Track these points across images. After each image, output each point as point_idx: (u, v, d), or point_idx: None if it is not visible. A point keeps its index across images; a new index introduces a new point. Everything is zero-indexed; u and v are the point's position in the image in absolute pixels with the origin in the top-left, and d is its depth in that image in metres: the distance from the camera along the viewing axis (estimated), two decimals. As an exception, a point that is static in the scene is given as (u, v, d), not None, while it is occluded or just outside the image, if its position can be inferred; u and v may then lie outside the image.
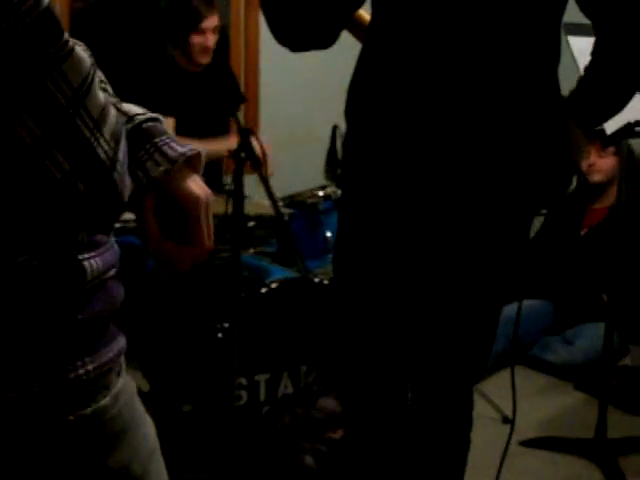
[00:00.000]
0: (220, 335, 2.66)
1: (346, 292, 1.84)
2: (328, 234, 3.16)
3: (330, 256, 3.07)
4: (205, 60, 3.60)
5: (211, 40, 3.59)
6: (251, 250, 3.07)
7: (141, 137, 0.97)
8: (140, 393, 0.93)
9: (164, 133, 0.99)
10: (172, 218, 0.99)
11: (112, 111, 0.80)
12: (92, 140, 0.76)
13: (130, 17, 4.73)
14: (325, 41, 1.74)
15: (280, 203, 3.08)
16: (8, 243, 0.76)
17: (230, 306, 2.50)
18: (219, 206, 2.57)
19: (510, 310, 2.10)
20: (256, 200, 3.15)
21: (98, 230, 0.85)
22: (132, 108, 0.99)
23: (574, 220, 4.01)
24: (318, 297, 2.72)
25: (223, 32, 3.80)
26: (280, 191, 3.24)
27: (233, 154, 2.49)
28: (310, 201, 3.22)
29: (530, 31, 1.71)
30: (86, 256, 0.82)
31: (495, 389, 3.31)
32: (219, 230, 2.70)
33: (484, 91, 1.67)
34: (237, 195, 2.52)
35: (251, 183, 2.81)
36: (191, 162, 0.99)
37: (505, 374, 3.06)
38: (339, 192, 3.03)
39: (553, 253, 4.00)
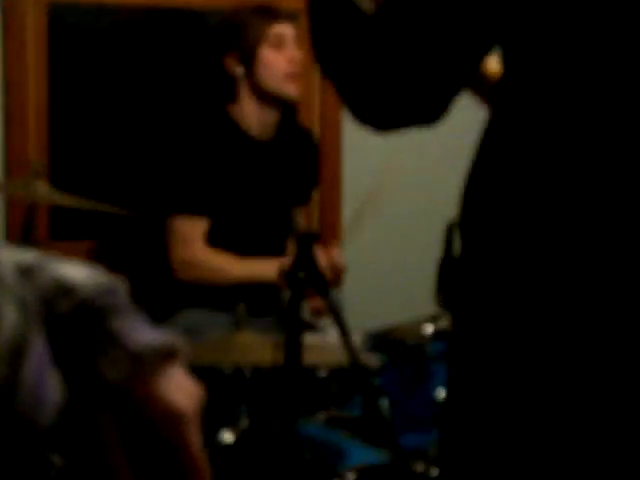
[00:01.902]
0: None
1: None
2: (441, 393, 2.84)
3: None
4: (295, 90, 3.11)
5: (297, 54, 3.11)
6: (320, 416, 2.71)
7: (87, 317, 0.91)
8: None
9: (124, 312, 0.93)
10: (148, 443, 0.93)
11: (9, 315, 0.77)
12: None
13: (164, 46, 4.30)
14: (433, 112, 1.60)
15: (366, 343, 2.83)
16: None
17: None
18: (270, 349, 2.36)
19: None
20: (330, 337, 2.83)
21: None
22: (74, 273, 0.92)
23: None
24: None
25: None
26: (367, 323, 3.02)
27: (287, 274, 2.25)
28: (412, 341, 2.86)
29: None
30: None
31: None
32: (271, 385, 2.66)
33: None
34: (292, 335, 2.23)
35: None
36: (169, 350, 0.94)
37: None
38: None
39: None
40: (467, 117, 2.13)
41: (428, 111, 1.60)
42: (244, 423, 2.60)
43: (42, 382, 0.80)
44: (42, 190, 2.80)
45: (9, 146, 3.57)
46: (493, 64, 1.76)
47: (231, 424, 2.53)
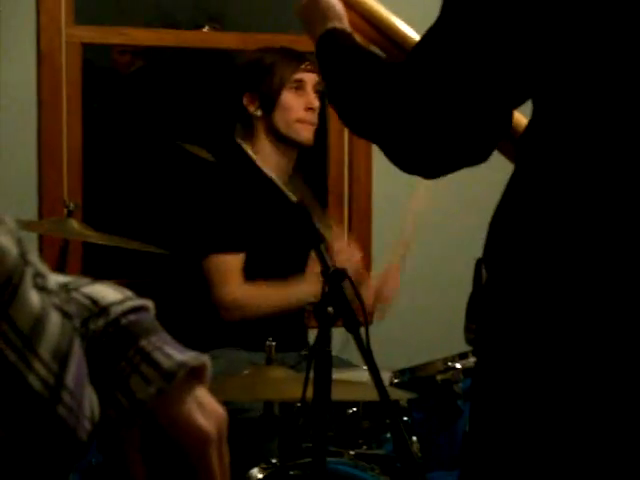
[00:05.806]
0: None
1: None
2: (470, 430, 2.68)
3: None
4: (308, 136, 3.12)
5: (315, 102, 3.10)
6: (350, 453, 2.64)
7: (121, 339, 0.93)
8: None
9: (154, 331, 0.95)
10: (167, 458, 0.95)
11: (53, 318, 0.79)
12: (20, 365, 0.75)
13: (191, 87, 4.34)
14: (479, 154, 1.61)
15: (395, 380, 2.77)
16: None
17: None
18: (299, 384, 2.24)
19: None
20: (359, 373, 2.78)
21: None
22: (105, 293, 0.95)
23: None
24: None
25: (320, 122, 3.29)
26: (397, 360, 3.02)
27: (314, 309, 2.19)
28: (442, 377, 2.80)
29: None
30: None
31: None
32: (298, 420, 2.62)
33: None
34: (321, 371, 2.16)
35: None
36: (195, 370, 0.95)
37: None
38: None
39: None
40: (495, 159, 2.10)
41: (474, 154, 1.60)
42: (273, 459, 2.55)
43: (83, 392, 0.80)
44: (75, 228, 2.73)
45: (43, 186, 3.54)
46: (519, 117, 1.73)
47: (261, 460, 2.47)
